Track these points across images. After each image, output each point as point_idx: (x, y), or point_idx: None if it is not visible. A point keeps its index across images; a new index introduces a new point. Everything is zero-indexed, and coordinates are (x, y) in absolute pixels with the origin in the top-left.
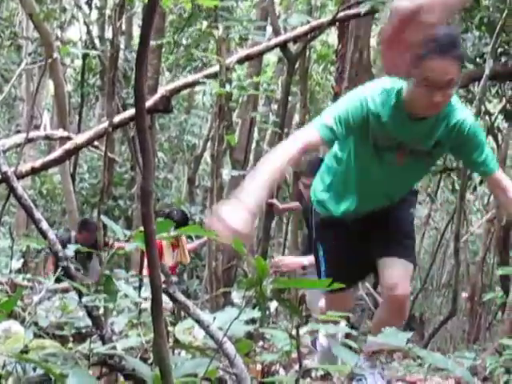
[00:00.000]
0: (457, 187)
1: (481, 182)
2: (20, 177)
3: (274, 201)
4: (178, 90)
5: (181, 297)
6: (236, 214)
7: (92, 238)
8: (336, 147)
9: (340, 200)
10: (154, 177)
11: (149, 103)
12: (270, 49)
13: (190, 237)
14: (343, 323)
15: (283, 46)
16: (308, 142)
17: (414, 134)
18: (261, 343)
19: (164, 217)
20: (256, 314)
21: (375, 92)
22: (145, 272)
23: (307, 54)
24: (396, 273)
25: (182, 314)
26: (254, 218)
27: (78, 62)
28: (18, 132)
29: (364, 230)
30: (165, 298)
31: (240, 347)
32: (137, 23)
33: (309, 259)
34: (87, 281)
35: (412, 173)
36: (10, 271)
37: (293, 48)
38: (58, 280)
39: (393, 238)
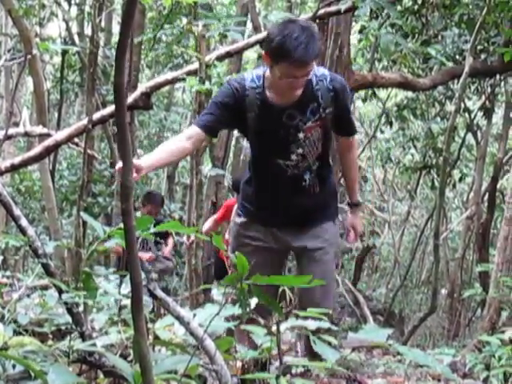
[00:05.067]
0: (436, 184)
1: (460, 180)
2: None
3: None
4: (158, 87)
5: (161, 293)
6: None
7: (157, 210)
8: None
9: None
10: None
11: (128, 100)
12: (250, 46)
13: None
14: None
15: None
16: None
17: None
18: None
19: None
20: (236, 310)
21: None
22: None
23: None
24: None
25: (162, 310)
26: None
27: (58, 59)
28: None
29: None
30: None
31: (220, 344)
32: (116, 20)
33: None
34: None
35: None
36: None
37: None
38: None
39: None
